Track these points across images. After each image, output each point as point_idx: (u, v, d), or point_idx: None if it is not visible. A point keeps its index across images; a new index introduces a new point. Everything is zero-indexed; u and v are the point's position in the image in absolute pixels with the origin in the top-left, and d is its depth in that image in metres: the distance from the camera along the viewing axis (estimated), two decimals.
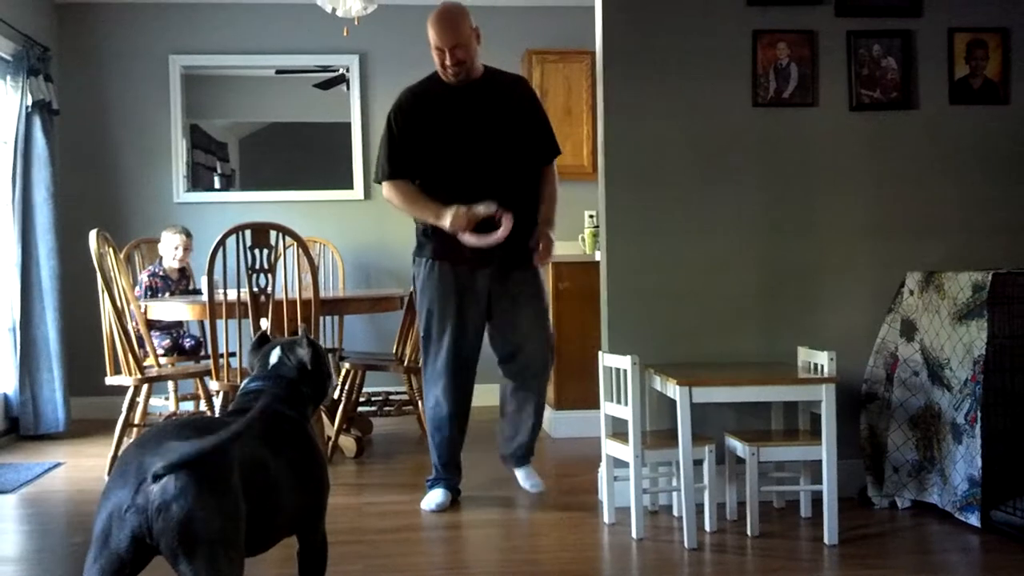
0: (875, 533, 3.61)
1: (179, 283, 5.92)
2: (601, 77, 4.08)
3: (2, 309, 5.90)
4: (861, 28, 4.10)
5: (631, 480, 3.54)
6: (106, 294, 4.63)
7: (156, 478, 1.99)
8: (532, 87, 4.27)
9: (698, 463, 3.56)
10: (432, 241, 3.98)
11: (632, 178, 4.04)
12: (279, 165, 6.96)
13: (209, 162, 6.95)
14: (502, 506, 4.04)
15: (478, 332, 4.01)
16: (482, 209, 3.82)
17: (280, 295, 4.51)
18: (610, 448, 3.76)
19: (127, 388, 4.80)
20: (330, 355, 2.74)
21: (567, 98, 6.57)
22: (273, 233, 4.48)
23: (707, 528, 3.61)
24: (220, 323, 4.50)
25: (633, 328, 4.00)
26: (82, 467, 5.04)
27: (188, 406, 5.89)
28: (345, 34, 5.84)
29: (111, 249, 4.71)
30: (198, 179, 6.88)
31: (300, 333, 2.63)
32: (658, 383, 3.72)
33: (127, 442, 4.67)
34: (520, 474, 4.20)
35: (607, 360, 3.77)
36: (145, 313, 5.05)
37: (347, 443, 5.13)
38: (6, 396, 5.87)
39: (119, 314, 4.64)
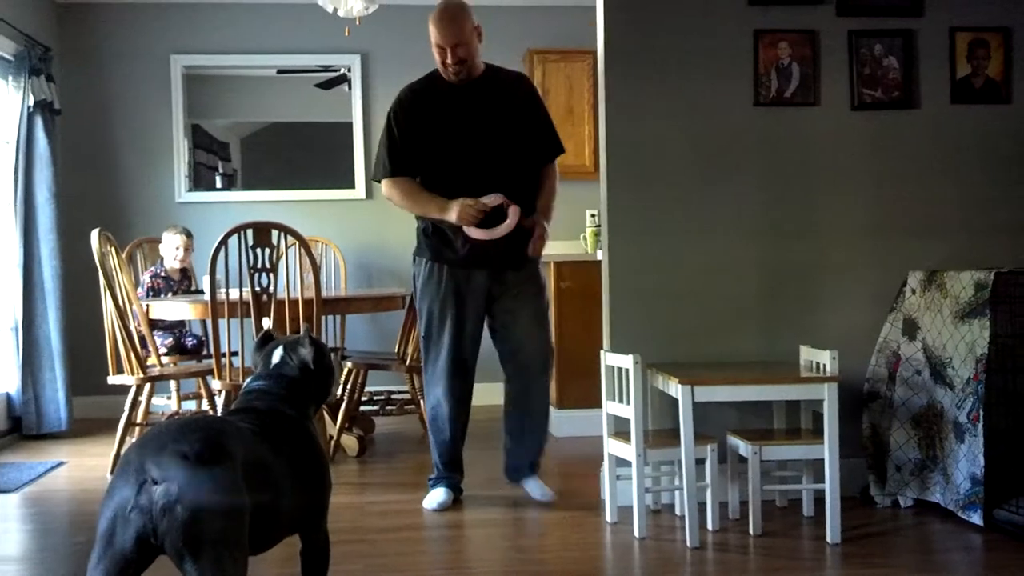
0: (877, 532, 3.61)
1: (181, 283, 5.92)
2: (602, 77, 4.09)
3: (4, 309, 5.91)
4: (862, 27, 4.10)
5: (633, 479, 3.54)
6: (108, 294, 4.64)
7: (158, 479, 1.99)
8: (533, 85, 4.25)
9: (700, 462, 3.56)
10: (431, 242, 3.97)
11: (634, 178, 4.04)
12: (281, 165, 6.97)
13: (211, 162, 6.96)
14: (504, 505, 4.04)
15: (478, 332, 4.01)
16: (489, 200, 3.81)
17: (282, 294, 4.51)
18: (612, 447, 3.76)
19: (129, 387, 4.81)
20: (333, 353, 2.73)
21: (568, 98, 6.57)
22: (275, 232, 4.48)
23: (709, 527, 3.61)
24: (222, 322, 4.50)
25: (635, 327, 4.00)
26: (84, 466, 5.04)
27: (190, 405, 5.89)
28: (346, 34, 5.84)
29: (113, 249, 4.71)
30: (200, 179, 6.88)
31: (302, 332, 2.63)
32: (660, 382, 3.72)
33: (130, 441, 4.68)
34: (529, 485, 4.12)
35: (609, 359, 3.77)
36: (147, 312, 5.05)
37: (349, 442, 5.13)
38: (8, 396, 5.87)
39: (121, 313, 4.64)
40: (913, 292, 3.94)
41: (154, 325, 5.45)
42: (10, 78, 5.86)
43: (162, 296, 5.73)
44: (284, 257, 4.62)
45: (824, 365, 3.55)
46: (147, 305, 5.06)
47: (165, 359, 5.49)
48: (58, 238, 5.96)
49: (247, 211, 6.20)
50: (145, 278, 5.82)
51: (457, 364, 3.97)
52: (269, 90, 7.06)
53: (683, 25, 4.05)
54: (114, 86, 6.71)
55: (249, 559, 2.15)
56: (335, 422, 5.07)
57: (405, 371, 5.30)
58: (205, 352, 5.74)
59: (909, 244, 4.08)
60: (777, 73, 4.08)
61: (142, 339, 5.01)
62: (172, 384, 5.75)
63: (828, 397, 3.44)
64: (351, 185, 6.89)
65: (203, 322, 5.68)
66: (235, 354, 4.69)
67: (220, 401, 4.69)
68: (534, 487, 4.09)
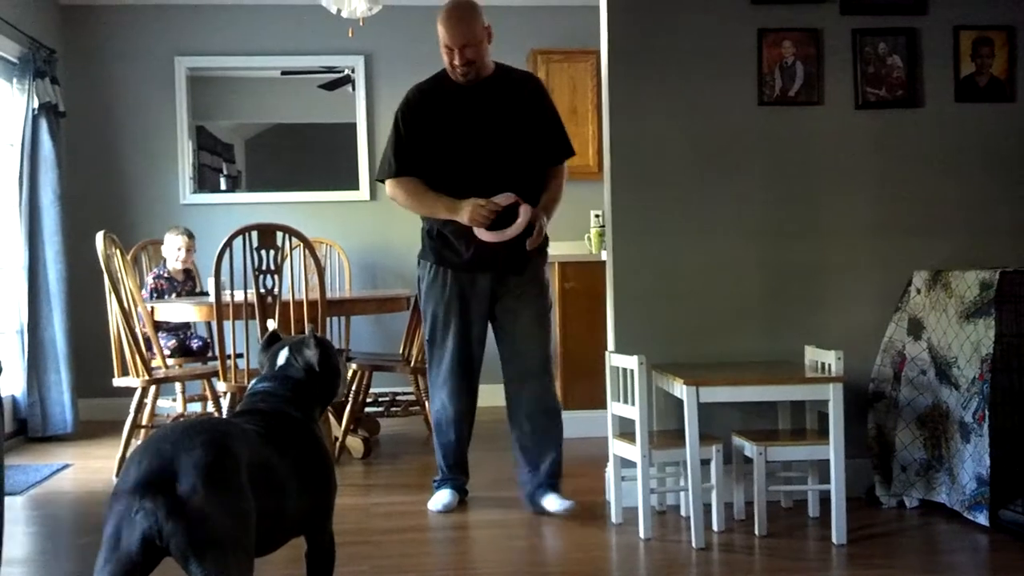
0: (883, 532, 3.60)
1: (184, 284, 5.93)
2: (606, 76, 4.08)
3: (10, 311, 5.91)
4: (866, 26, 4.09)
5: (638, 480, 3.54)
6: (113, 296, 4.65)
7: (163, 481, 1.99)
8: (543, 85, 4.16)
9: (705, 463, 3.56)
10: (435, 245, 3.94)
11: (638, 178, 4.04)
12: (285, 166, 6.97)
13: (215, 163, 6.96)
14: (509, 506, 4.04)
15: (482, 335, 3.98)
16: (501, 200, 3.75)
17: (287, 296, 4.51)
18: (617, 448, 3.76)
19: (135, 389, 4.82)
20: (339, 354, 2.73)
21: (572, 98, 6.56)
22: (279, 234, 4.48)
23: (715, 528, 3.61)
24: (227, 324, 4.50)
25: (640, 328, 4.00)
26: (90, 468, 5.05)
27: (195, 407, 5.90)
28: (350, 35, 5.84)
29: (118, 251, 4.72)
30: (204, 180, 6.89)
31: (308, 333, 2.63)
32: (665, 383, 3.72)
33: (135, 443, 4.68)
34: (549, 499, 3.88)
35: (614, 360, 3.77)
36: (152, 314, 5.05)
37: (354, 444, 5.13)
38: (14, 398, 5.88)
39: (126, 316, 4.65)
40: (918, 292, 3.93)
41: (158, 327, 5.46)
42: (15, 80, 5.87)
43: (166, 297, 5.74)
44: (289, 259, 4.63)
45: (829, 365, 3.55)
46: (152, 307, 5.07)
47: (170, 361, 5.50)
48: (63, 240, 5.97)
49: (251, 213, 6.21)
50: (149, 279, 5.83)
51: (461, 367, 3.94)
52: (273, 91, 7.06)
53: (687, 24, 4.05)
54: (118, 88, 6.72)
55: (255, 560, 2.15)
56: (340, 424, 5.07)
57: (410, 372, 5.30)
58: (210, 354, 5.75)
59: (914, 243, 4.07)
60: (781, 72, 4.07)
61: (147, 341, 5.02)
62: (177, 386, 5.75)
63: (833, 397, 3.43)
64: (355, 186, 6.90)
65: (208, 324, 5.69)
66: (240, 356, 4.70)
67: (225, 403, 4.70)
68: (554, 500, 3.87)
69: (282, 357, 2.59)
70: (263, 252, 4.45)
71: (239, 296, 4.55)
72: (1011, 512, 3.49)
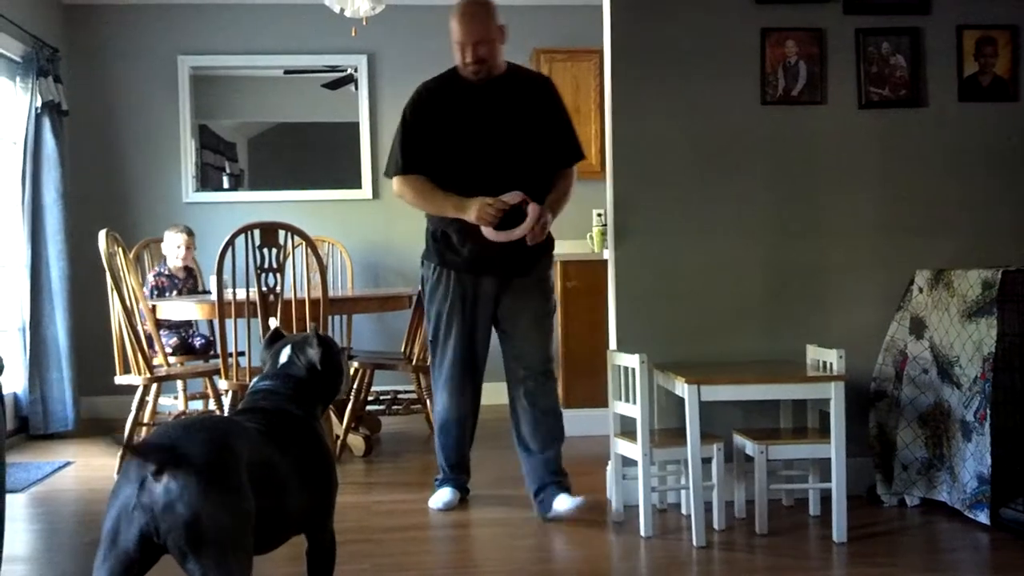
0: (884, 531, 3.60)
1: (186, 282, 5.94)
2: (609, 76, 4.08)
3: (12, 309, 5.92)
4: (870, 26, 4.09)
5: (640, 478, 3.54)
6: (115, 294, 4.65)
7: (159, 477, 1.99)
8: (555, 87, 4.07)
9: (707, 461, 3.56)
10: (439, 246, 3.90)
11: (640, 177, 4.04)
12: (287, 165, 6.98)
13: (218, 162, 6.97)
14: (510, 505, 4.04)
15: (485, 337, 3.94)
16: (509, 198, 3.69)
17: (289, 294, 4.52)
18: (619, 446, 3.76)
19: (136, 387, 4.82)
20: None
21: (575, 97, 6.55)
22: (282, 233, 4.48)
23: (716, 526, 3.61)
24: (229, 322, 4.51)
25: (641, 326, 4.00)
26: (91, 466, 5.06)
27: (197, 405, 5.90)
28: (353, 34, 5.84)
29: (120, 249, 4.72)
30: (207, 179, 6.90)
31: (310, 331, 2.62)
32: (667, 381, 3.71)
33: (136, 441, 4.68)
34: (560, 499, 3.79)
35: (616, 359, 3.77)
36: (154, 312, 5.06)
37: (355, 442, 5.14)
38: (16, 396, 5.88)
39: (128, 314, 4.65)
40: (920, 291, 3.93)
41: (159, 324, 5.46)
42: (18, 79, 5.88)
43: (167, 294, 5.75)
44: (291, 257, 4.63)
45: (831, 364, 3.54)
46: (154, 305, 5.07)
47: (172, 359, 5.50)
48: (66, 239, 5.98)
49: (254, 211, 6.20)
50: (149, 277, 5.84)
51: (464, 368, 3.92)
52: (276, 90, 7.07)
53: (690, 24, 4.05)
54: (121, 87, 6.73)
55: (256, 558, 2.15)
56: (341, 422, 5.07)
57: (411, 371, 5.30)
58: (212, 352, 5.75)
59: (916, 243, 4.07)
60: (784, 72, 4.07)
61: (149, 339, 5.03)
62: (179, 384, 5.76)
63: (835, 396, 3.43)
64: (358, 185, 6.90)
65: (210, 322, 5.69)
66: (242, 354, 4.70)
67: (227, 401, 4.70)
68: (564, 500, 3.77)
69: (284, 355, 2.59)
70: (265, 250, 4.46)
71: (241, 294, 4.55)
72: (1012, 511, 3.48)
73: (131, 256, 4.99)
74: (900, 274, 4.03)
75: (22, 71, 5.88)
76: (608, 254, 4.13)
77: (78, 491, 4.57)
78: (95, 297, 5.67)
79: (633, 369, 3.57)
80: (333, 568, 2.56)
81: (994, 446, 3.46)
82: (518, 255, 3.79)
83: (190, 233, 5.91)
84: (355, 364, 5.33)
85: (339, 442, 5.00)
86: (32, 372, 5.88)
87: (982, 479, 3.50)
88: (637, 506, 3.58)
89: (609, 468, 3.98)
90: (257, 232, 4.46)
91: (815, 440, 3.58)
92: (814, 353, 3.75)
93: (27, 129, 5.85)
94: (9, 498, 4.34)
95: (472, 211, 3.70)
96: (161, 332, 5.49)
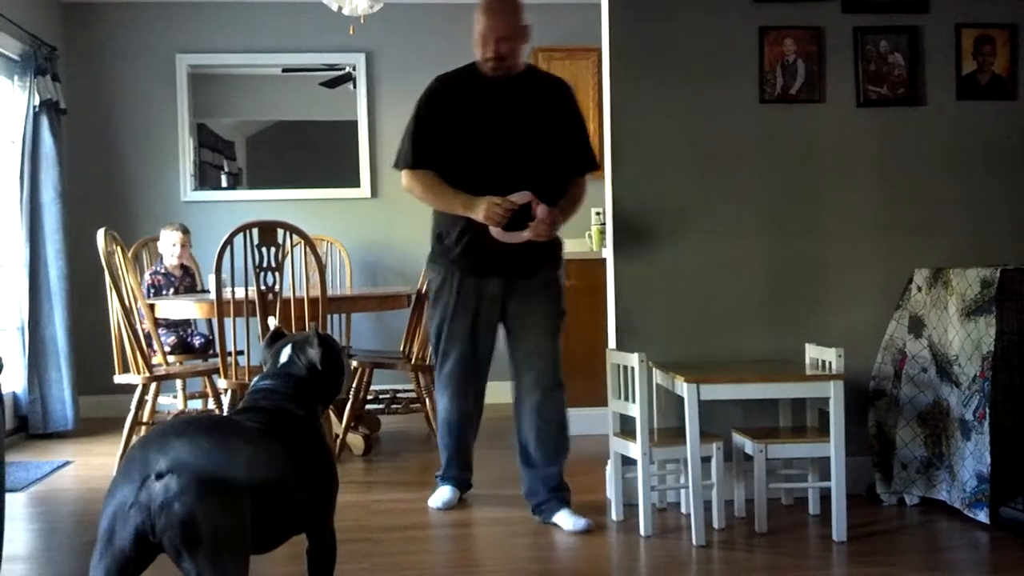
0: (883, 530, 3.61)
1: (183, 280, 5.94)
2: (608, 74, 4.08)
3: (11, 309, 5.92)
4: (868, 24, 4.09)
5: (639, 477, 3.54)
6: (114, 293, 4.65)
7: (159, 476, 1.99)
8: (573, 92, 3.94)
9: (706, 460, 3.56)
10: (444, 248, 3.85)
11: (639, 175, 4.04)
12: (286, 164, 6.97)
13: (216, 161, 6.96)
14: (510, 504, 4.03)
15: (490, 340, 3.88)
16: (517, 198, 3.62)
17: (288, 293, 4.52)
18: (618, 445, 3.76)
19: (135, 386, 4.82)
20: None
21: None
22: (280, 231, 4.48)
23: (715, 525, 3.61)
24: (228, 321, 4.51)
25: (640, 325, 4.00)
26: (91, 465, 5.06)
27: (196, 404, 5.90)
28: (351, 32, 5.84)
29: (119, 248, 4.72)
30: (205, 178, 6.89)
31: (310, 330, 2.62)
32: (666, 380, 3.72)
33: (136, 440, 4.68)
34: (562, 516, 3.72)
35: (615, 357, 3.77)
36: (153, 311, 5.06)
37: (355, 441, 5.14)
38: (15, 395, 5.88)
39: (127, 313, 4.65)
40: (919, 290, 3.93)
41: (157, 323, 5.46)
42: (16, 78, 5.87)
43: (164, 292, 5.75)
44: (289, 256, 4.63)
45: (830, 363, 3.55)
46: (153, 304, 5.07)
47: (171, 358, 5.50)
48: (64, 238, 5.97)
49: (252, 210, 6.20)
50: (146, 276, 5.84)
51: (468, 370, 3.88)
52: (274, 89, 7.07)
53: (688, 22, 4.05)
54: (119, 85, 6.72)
55: (256, 558, 2.15)
56: (341, 421, 5.07)
57: (411, 370, 5.30)
58: (211, 351, 5.75)
59: (915, 241, 4.07)
60: (782, 70, 4.07)
61: (148, 338, 5.02)
62: (178, 383, 5.76)
63: (834, 395, 3.44)
64: (356, 184, 6.89)
65: (209, 321, 5.69)
66: (241, 353, 4.70)
67: (226, 400, 4.70)
68: (567, 517, 3.70)
69: (285, 355, 2.59)
70: (264, 249, 4.45)
71: (240, 293, 4.54)
72: (1011, 509, 3.49)
73: (130, 255, 4.99)
74: (899, 273, 4.03)
75: (20, 69, 5.87)
76: (607, 253, 4.13)
77: (77, 490, 4.57)
78: (94, 296, 5.66)
79: (632, 368, 3.57)
80: (334, 567, 2.56)
81: (993, 445, 3.47)
82: (522, 257, 3.73)
83: (185, 231, 5.91)
84: (354, 363, 5.33)
85: (339, 441, 5.00)
86: (31, 371, 5.88)
87: (981, 478, 3.50)
88: (636, 505, 3.58)
89: (608, 467, 3.99)
90: (256, 231, 4.46)
91: (814, 439, 3.58)
92: (813, 352, 3.75)
93: (25, 128, 5.84)
94: (8, 497, 4.34)
95: (480, 210, 3.63)
96: (160, 331, 5.49)
